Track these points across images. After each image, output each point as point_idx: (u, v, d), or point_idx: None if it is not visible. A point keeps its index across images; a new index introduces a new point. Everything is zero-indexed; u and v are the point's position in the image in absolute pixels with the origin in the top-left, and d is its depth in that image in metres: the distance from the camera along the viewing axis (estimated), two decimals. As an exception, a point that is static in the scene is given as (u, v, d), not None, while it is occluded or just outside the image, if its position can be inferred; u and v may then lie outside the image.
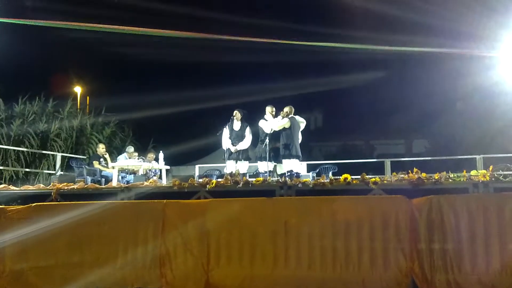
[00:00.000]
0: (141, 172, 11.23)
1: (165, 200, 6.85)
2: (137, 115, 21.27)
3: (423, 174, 6.69)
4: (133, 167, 11.31)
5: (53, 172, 14.69)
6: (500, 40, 12.29)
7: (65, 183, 8.17)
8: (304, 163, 12.23)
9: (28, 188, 8.35)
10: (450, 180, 6.62)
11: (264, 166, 9.89)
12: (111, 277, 6.60)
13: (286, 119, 10.00)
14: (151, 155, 12.37)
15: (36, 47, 22.14)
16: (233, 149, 10.31)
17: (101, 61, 27.23)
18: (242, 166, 10.29)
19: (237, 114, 10.53)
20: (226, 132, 10.46)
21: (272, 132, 10.01)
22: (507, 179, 6.45)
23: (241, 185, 7.19)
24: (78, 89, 25.69)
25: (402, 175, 6.90)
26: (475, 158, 12.68)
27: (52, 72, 24.84)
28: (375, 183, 6.71)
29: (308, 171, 11.88)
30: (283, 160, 9.96)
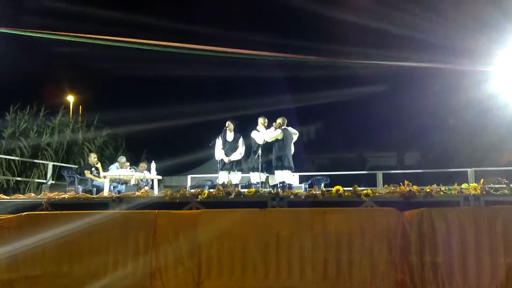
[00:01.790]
0: (132, 182, 11.19)
1: (156, 211, 6.82)
2: (129, 125, 21.27)
3: (415, 187, 6.69)
4: (124, 177, 11.27)
5: (44, 181, 14.63)
6: (493, 55, 12.39)
7: (56, 193, 8.11)
8: (297, 175, 12.25)
9: (19, 197, 8.29)
10: (441, 193, 6.64)
11: (257, 177, 9.89)
12: (101, 288, 6.55)
13: (279, 130, 10.01)
14: (143, 165, 12.32)
15: (29, 57, 22.14)
16: (226, 159, 10.30)
17: (94, 72, 27.23)
18: (235, 177, 10.28)
19: (229, 125, 10.55)
20: (219, 142, 10.46)
21: (264, 143, 10.02)
22: (498, 192, 6.47)
23: (233, 196, 7.17)
24: (70, 98, 25.67)
25: (394, 188, 6.91)
26: (467, 171, 12.74)
27: (44, 82, 24.87)
28: (367, 195, 6.71)
29: (300, 183, 11.89)
30: (276, 171, 9.95)
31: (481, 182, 6.75)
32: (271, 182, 10.18)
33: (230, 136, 10.52)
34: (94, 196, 8.93)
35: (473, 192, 6.49)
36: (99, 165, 12.18)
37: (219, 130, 10.62)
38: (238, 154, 10.41)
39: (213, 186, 11.28)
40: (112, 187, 11.26)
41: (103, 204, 7.53)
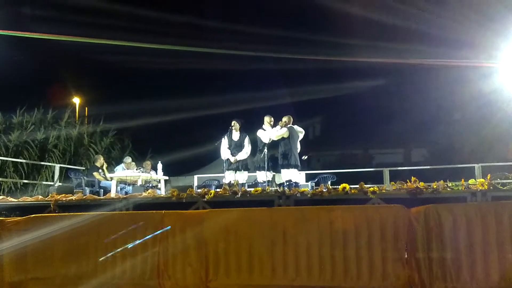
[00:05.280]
0: (139, 183, 11.21)
1: (163, 211, 6.84)
2: (135, 125, 21.32)
3: (421, 183, 6.68)
4: (131, 178, 11.29)
5: (51, 183, 14.68)
6: (498, 49, 12.34)
7: (63, 194, 8.17)
8: (303, 173, 12.23)
9: (27, 200, 8.34)
10: (448, 189, 6.63)
11: (263, 176, 9.88)
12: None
13: (285, 129, 9.99)
14: (148, 163, 12.32)
15: (34, 58, 22.19)
16: (232, 159, 10.29)
17: (99, 71, 27.28)
18: (241, 176, 10.26)
19: (235, 124, 10.51)
20: (224, 142, 10.43)
21: (270, 141, 10.00)
22: (505, 188, 6.46)
23: (239, 195, 7.18)
24: (76, 100, 25.72)
25: (400, 185, 6.90)
26: (474, 166, 12.69)
27: (50, 83, 24.88)
28: (373, 192, 6.71)
29: (306, 181, 11.88)
30: (282, 170, 9.94)
31: (488, 177, 6.73)
32: (278, 181, 10.17)
33: (236, 135, 10.51)
34: (101, 197, 8.97)
35: (480, 187, 6.48)
36: (105, 167, 12.20)
37: (226, 128, 10.60)
38: (244, 153, 10.39)
39: (219, 185, 11.29)
40: (119, 188, 11.29)
41: (111, 205, 7.56)
